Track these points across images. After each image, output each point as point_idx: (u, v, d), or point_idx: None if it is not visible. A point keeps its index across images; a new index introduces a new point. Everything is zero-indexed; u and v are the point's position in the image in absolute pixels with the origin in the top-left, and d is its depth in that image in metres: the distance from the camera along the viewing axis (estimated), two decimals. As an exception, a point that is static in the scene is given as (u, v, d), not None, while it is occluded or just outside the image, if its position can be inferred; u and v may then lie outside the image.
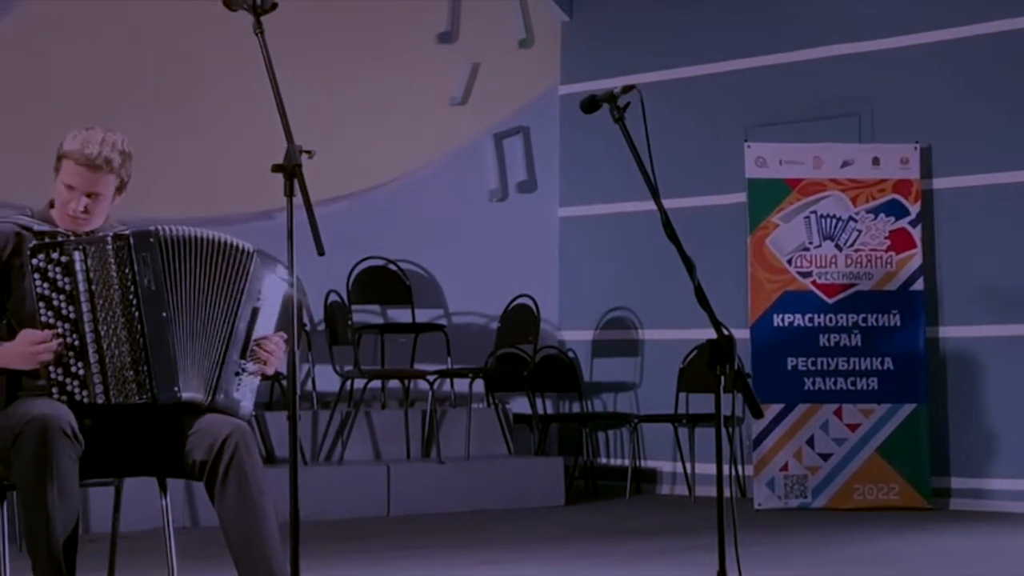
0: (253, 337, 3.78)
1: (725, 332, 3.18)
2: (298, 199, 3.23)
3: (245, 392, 3.80)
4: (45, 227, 3.77)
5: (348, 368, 8.09)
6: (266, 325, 3.82)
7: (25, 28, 7.57)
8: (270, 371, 3.84)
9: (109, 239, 3.63)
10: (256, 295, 3.78)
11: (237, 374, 3.76)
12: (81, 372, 3.62)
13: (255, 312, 3.78)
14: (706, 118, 8.93)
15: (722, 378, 3.16)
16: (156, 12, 8.00)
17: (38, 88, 7.32)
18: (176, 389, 3.63)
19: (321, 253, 3.14)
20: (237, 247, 3.76)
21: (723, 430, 3.34)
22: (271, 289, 3.82)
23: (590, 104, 3.51)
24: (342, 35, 8.64)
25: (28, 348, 3.60)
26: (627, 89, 3.40)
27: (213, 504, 3.64)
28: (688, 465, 8.60)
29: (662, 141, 3.69)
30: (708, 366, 3.18)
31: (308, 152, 3.22)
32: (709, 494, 8.40)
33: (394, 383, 8.58)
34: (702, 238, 8.18)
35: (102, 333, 3.62)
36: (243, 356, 3.77)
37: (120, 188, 3.81)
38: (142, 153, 7.87)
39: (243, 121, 8.01)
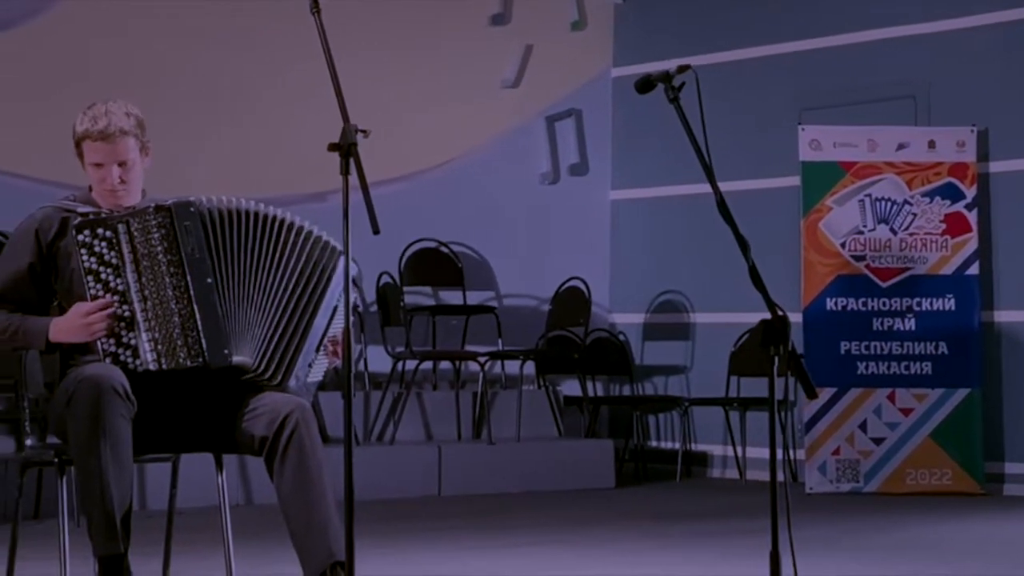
0: (329, 334, 3.86)
1: (779, 312, 3.17)
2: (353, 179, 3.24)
3: (312, 384, 3.87)
4: (88, 208, 3.83)
5: (400, 349, 8.13)
6: (339, 322, 3.90)
7: (69, 17, 7.64)
8: (335, 364, 3.90)
9: (151, 210, 3.69)
10: (338, 295, 3.86)
11: (310, 365, 3.84)
12: (132, 342, 3.67)
13: (335, 311, 3.86)
14: (759, 101, 8.88)
15: (776, 359, 3.15)
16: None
17: (81, 78, 7.36)
18: (227, 352, 3.69)
19: (376, 231, 3.17)
20: (318, 237, 3.83)
21: (775, 413, 3.32)
22: (340, 287, 3.88)
23: (644, 84, 3.50)
24: (395, 18, 8.65)
25: (82, 320, 3.65)
26: (682, 69, 3.39)
27: (271, 479, 3.69)
28: (739, 449, 8.57)
29: (715, 124, 3.67)
30: (761, 346, 3.17)
31: (364, 131, 3.24)
32: (760, 478, 8.39)
33: (445, 364, 8.62)
34: (755, 221, 8.12)
35: (150, 302, 3.67)
36: (317, 349, 3.84)
37: (143, 150, 3.85)
38: (192, 136, 7.96)
39: (295, 103, 8.05)
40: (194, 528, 5.48)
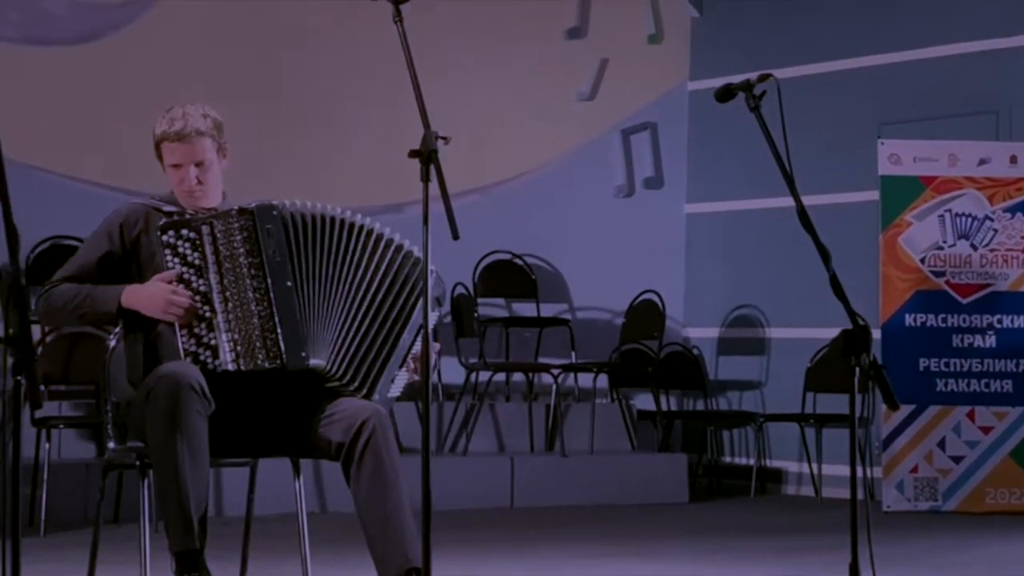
0: (412, 352, 3.88)
1: (860, 322, 3.14)
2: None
3: (389, 399, 3.90)
4: (172, 208, 3.88)
5: (474, 360, 8.15)
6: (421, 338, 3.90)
7: (153, 28, 7.76)
8: (414, 380, 3.91)
9: (234, 212, 3.73)
10: (421, 308, 3.84)
11: (392, 380, 3.86)
12: (212, 342, 3.71)
13: (421, 329, 3.85)
14: (838, 115, 8.81)
15: (856, 368, 3.12)
16: (288, 6, 8.14)
17: (166, 87, 7.46)
18: (303, 355, 3.71)
19: (456, 237, 3.18)
20: (384, 237, 3.83)
21: (856, 422, 3.29)
22: (433, 305, 3.88)
23: (725, 93, 3.49)
24: (472, 32, 8.70)
25: (163, 293, 3.67)
26: (763, 78, 3.38)
27: (348, 484, 3.71)
28: (815, 466, 8.49)
29: (793, 138, 3.65)
30: (842, 356, 3.14)
31: (444, 138, 3.26)
32: (835, 495, 8.30)
33: (518, 376, 8.62)
34: (833, 235, 7.96)
35: (231, 303, 3.71)
36: (401, 366, 3.86)
37: (221, 152, 3.88)
38: (271, 147, 8.04)
39: (374, 114, 8.12)
40: (271, 534, 5.51)
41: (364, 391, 3.80)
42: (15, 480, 2.36)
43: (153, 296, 3.70)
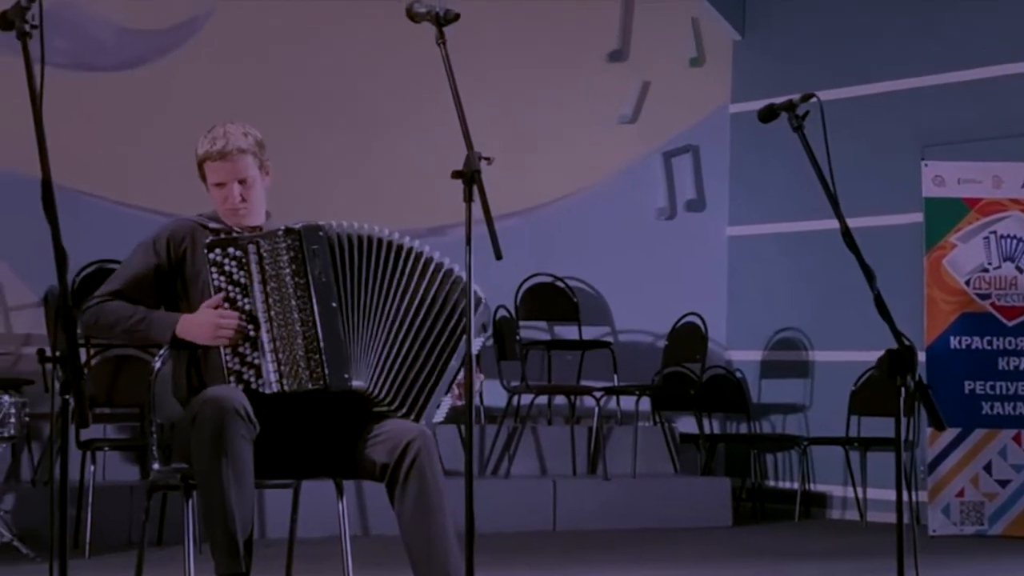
0: (458, 380, 3.88)
1: (906, 342, 3.12)
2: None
3: (433, 424, 3.90)
4: (218, 225, 3.90)
5: (515, 383, 8.15)
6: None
7: (198, 54, 7.83)
8: (457, 404, 3.92)
9: (281, 232, 3.74)
10: (479, 342, 3.86)
11: (438, 406, 3.86)
12: (256, 361, 3.72)
13: (469, 358, 3.85)
14: (881, 137, 8.77)
15: (902, 389, 3.09)
16: (330, 31, 8.20)
17: (209, 112, 7.51)
18: (346, 376, 3.72)
19: (499, 257, 3.18)
20: (432, 261, 3.84)
21: (901, 443, 3.26)
22: (479, 333, 3.90)
23: (768, 113, 3.49)
24: (514, 55, 8.72)
25: (211, 320, 3.69)
26: (806, 98, 3.37)
27: (392, 506, 3.71)
28: (859, 490, 8.43)
29: (837, 160, 3.64)
30: (888, 376, 3.11)
31: (487, 159, 3.27)
32: (881, 519, 8.23)
33: (560, 399, 8.61)
34: (877, 258, 7.91)
35: (276, 323, 3.72)
36: (447, 391, 3.87)
37: (263, 169, 3.90)
38: (314, 170, 8.07)
39: (416, 139, 8.15)
40: (314, 557, 5.52)
41: (412, 415, 3.80)
42: (63, 498, 2.38)
43: (203, 324, 3.71)
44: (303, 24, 8.14)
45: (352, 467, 3.81)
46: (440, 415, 3.91)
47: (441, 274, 3.84)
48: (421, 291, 3.82)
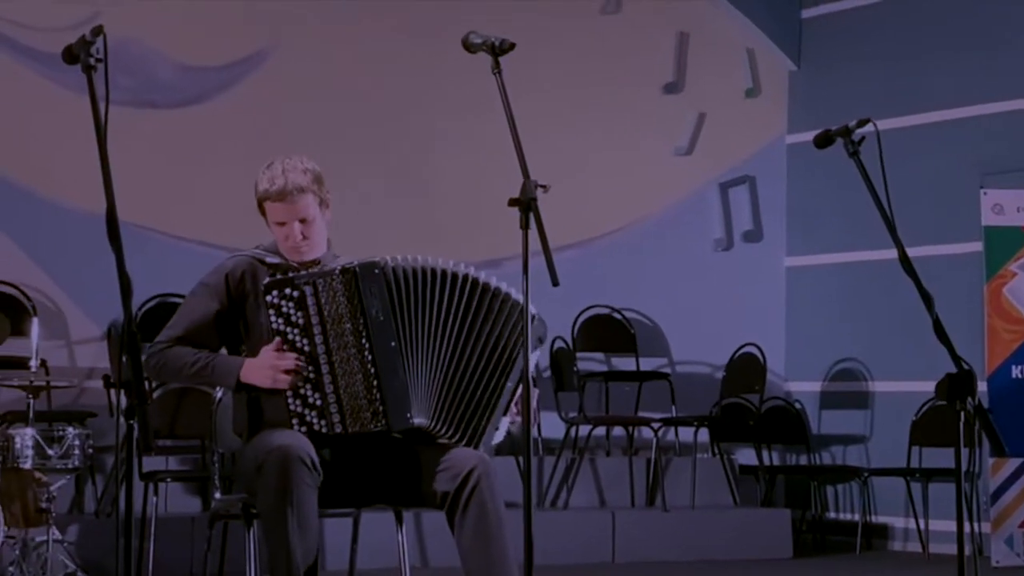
0: (515, 398, 3.87)
1: (965, 366, 3.10)
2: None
3: (492, 446, 3.91)
4: (276, 259, 3.92)
5: (573, 414, 8.15)
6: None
7: (256, 89, 7.93)
8: (516, 422, 3.92)
9: (337, 272, 3.74)
10: (523, 354, 3.83)
11: (496, 428, 3.87)
12: (318, 403, 3.73)
13: (525, 379, 3.85)
14: (939, 165, 8.72)
15: (961, 414, 3.07)
16: (386, 65, 8.28)
17: (268, 146, 7.60)
18: (408, 416, 3.73)
19: (555, 283, 3.19)
20: (490, 287, 3.84)
21: (961, 467, 3.23)
22: (534, 347, 3.89)
23: (824, 140, 3.49)
24: (569, 87, 8.76)
25: (271, 363, 3.73)
26: (862, 123, 3.37)
27: (452, 533, 3.72)
28: (921, 521, 8.34)
29: (895, 189, 3.63)
30: (947, 400, 3.09)
31: (543, 186, 3.28)
32: (944, 551, 8.14)
33: (618, 431, 8.59)
34: (937, 287, 7.85)
35: (336, 364, 3.73)
36: (505, 413, 3.87)
37: (323, 204, 3.91)
38: (369, 204, 8.13)
39: (469, 172, 8.20)
40: (372, 587, 5.54)
41: (472, 443, 3.81)
42: (128, 523, 2.41)
43: (262, 367, 3.74)
44: (360, 60, 8.23)
45: (412, 496, 3.83)
46: (499, 436, 3.91)
47: (500, 300, 3.83)
48: (480, 319, 3.82)
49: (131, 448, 2.40)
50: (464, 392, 3.81)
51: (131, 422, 2.35)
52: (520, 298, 3.79)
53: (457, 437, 3.79)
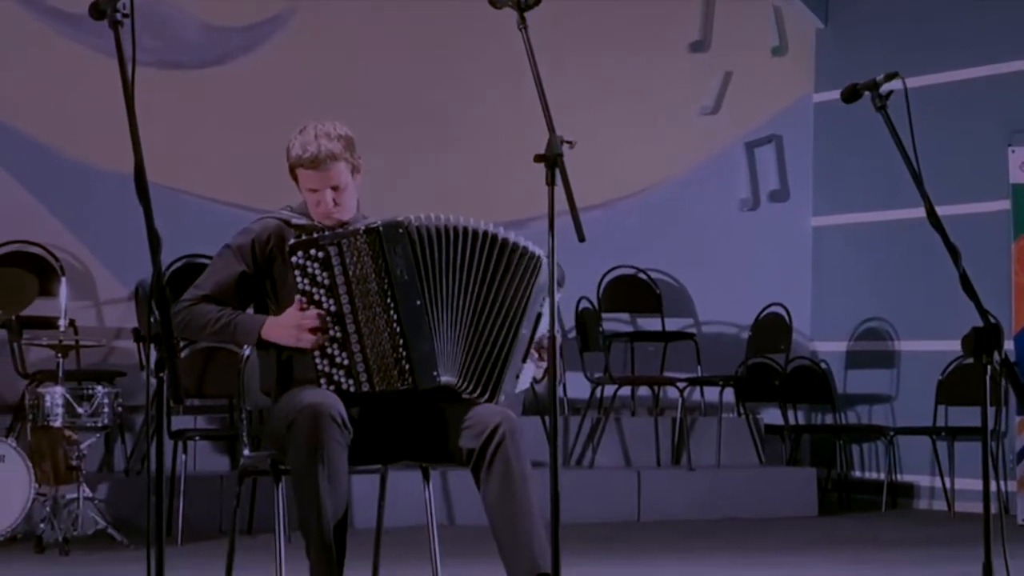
0: (535, 341, 3.87)
1: (991, 320, 3.09)
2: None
3: (518, 394, 3.91)
4: (302, 220, 3.93)
5: (599, 375, 8.16)
6: (544, 325, 3.90)
7: (280, 50, 7.94)
8: (540, 373, 3.92)
9: (361, 232, 3.75)
10: (541, 301, 3.85)
11: (517, 376, 3.87)
12: (345, 362, 3.75)
13: (539, 318, 3.87)
14: (968, 123, 8.66)
15: (988, 368, 3.07)
16: (409, 24, 8.26)
17: (292, 107, 7.61)
18: (435, 374, 3.75)
19: (582, 239, 3.19)
20: (516, 244, 3.83)
21: (987, 419, 3.22)
22: (545, 292, 3.88)
23: (851, 94, 3.48)
24: (594, 47, 8.73)
25: (296, 322, 3.74)
26: (889, 77, 3.35)
27: (478, 489, 3.74)
28: (947, 479, 8.34)
29: (923, 147, 3.60)
30: (973, 354, 3.09)
31: (569, 142, 3.28)
32: (969, 510, 8.14)
33: (644, 392, 8.61)
34: (964, 245, 7.83)
35: (362, 323, 3.74)
36: (524, 359, 3.87)
37: (354, 170, 3.91)
38: (394, 164, 8.14)
39: (497, 131, 8.19)
40: (399, 545, 5.58)
41: (490, 396, 3.82)
42: (159, 477, 2.44)
43: (286, 325, 3.76)
44: (382, 19, 8.21)
45: (439, 453, 3.85)
46: (524, 383, 3.91)
47: (512, 252, 3.81)
48: (499, 274, 3.82)
49: (161, 403, 2.42)
50: (485, 346, 3.81)
51: (161, 375, 2.37)
52: (538, 251, 3.82)
53: (479, 392, 3.81)
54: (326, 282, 3.75)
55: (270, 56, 7.94)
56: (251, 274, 3.90)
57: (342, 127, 3.91)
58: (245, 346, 4.00)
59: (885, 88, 3.37)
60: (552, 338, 3.30)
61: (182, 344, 6.90)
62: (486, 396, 3.82)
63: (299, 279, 3.76)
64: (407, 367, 3.73)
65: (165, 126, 7.32)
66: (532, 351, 3.90)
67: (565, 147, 3.27)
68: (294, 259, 3.75)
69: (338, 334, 3.75)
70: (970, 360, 8.32)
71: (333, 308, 3.75)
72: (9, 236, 7.22)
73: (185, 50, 7.72)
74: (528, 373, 3.92)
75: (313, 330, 3.73)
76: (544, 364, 3.91)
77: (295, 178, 3.91)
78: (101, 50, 7.15)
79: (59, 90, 7.41)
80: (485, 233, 3.82)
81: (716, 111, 9.15)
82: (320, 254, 3.75)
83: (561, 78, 8.34)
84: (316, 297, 3.76)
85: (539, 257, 3.84)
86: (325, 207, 3.87)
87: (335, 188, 3.86)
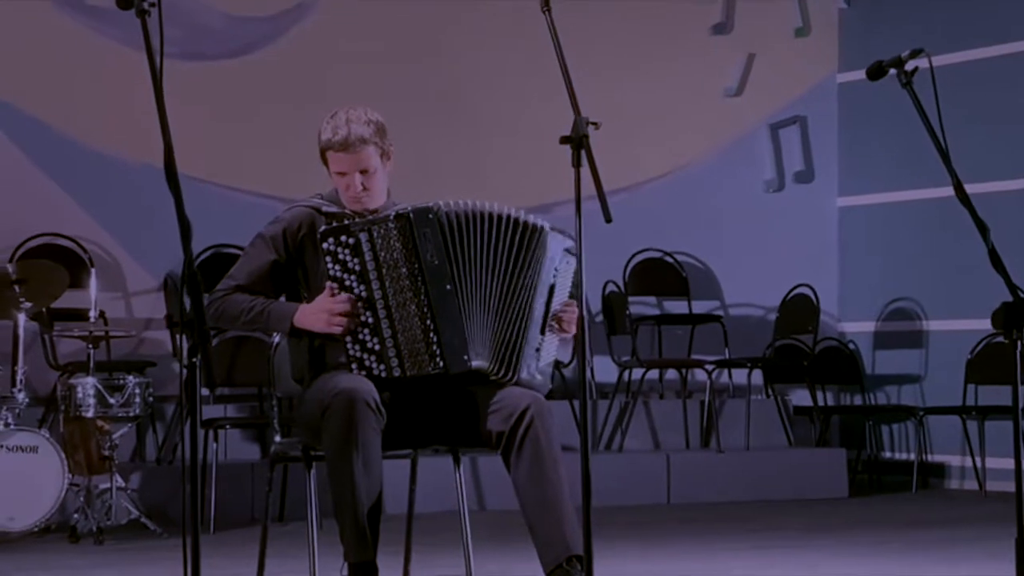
0: (551, 312, 3.88)
1: (1022, 295, 3.09)
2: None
3: (544, 368, 3.91)
4: (333, 208, 3.95)
5: (626, 358, 8.17)
6: (561, 296, 3.92)
7: (303, 39, 7.95)
8: (569, 337, 3.92)
9: (391, 218, 3.77)
10: (552, 272, 3.87)
11: (537, 350, 3.87)
12: (377, 347, 3.77)
13: (552, 289, 3.88)
14: (995, 101, 8.61)
15: (1018, 343, 3.06)
16: (432, 13, 8.26)
17: (317, 96, 7.62)
18: (466, 358, 3.76)
19: (608, 220, 3.20)
20: (525, 222, 3.86)
21: (1018, 416, 3.20)
22: (564, 262, 3.91)
23: (876, 70, 3.47)
24: (617, 30, 8.72)
25: (327, 307, 3.76)
26: (915, 53, 3.35)
27: (509, 472, 3.76)
28: (978, 459, 8.31)
29: (950, 126, 3.59)
30: (1003, 327, 3.08)
31: (594, 123, 3.28)
32: (1001, 489, 8.11)
33: (671, 374, 8.61)
34: (991, 223, 7.87)
35: (393, 308, 3.76)
36: (542, 332, 3.87)
37: (385, 156, 3.93)
38: (418, 153, 8.16)
39: (520, 117, 8.19)
40: (430, 531, 5.61)
41: (512, 374, 3.82)
42: (193, 462, 2.46)
43: (317, 312, 3.77)
44: (407, 7, 8.22)
45: (468, 436, 3.86)
46: (548, 356, 3.89)
47: (532, 233, 3.83)
48: (522, 256, 3.83)
49: (195, 382, 2.44)
50: (508, 327, 3.82)
51: (194, 360, 2.39)
52: (540, 222, 3.84)
53: (502, 372, 3.81)
54: (357, 268, 3.77)
55: (294, 46, 7.95)
56: (283, 263, 3.93)
57: (373, 113, 3.94)
58: (275, 334, 4.02)
59: (910, 65, 3.36)
60: (581, 317, 3.30)
61: (212, 334, 6.94)
62: (509, 375, 3.81)
63: (330, 265, 3.78)
64: (438, 352, 3.75)
65: (190, 116, 7.34)
66: (551, 323, 3.89)
67: (590, 128, 3.28)
68: (325, 245, 3.77)
69: (369, 319, 3.77)
70: (1000, 337, 8.30)
71: (364, 294, 3.77)
72: (39, 229, 7.26)
73: (209, 40, 7.75)
74: (551, 346, 3.91)
75: (344, 315, 3.75)
76: (567, 334, 3.89)
77: (325, 161, 3.93)
78: (127, 43, 7.19)
79: (86, 84, 7.45)
80: (508, 216, 3.85)
81: (740, 93, 9.12)
82: (351, 240, 3.76)
83: (584, 64, 8.32)
84: (347, 283, 3.77)
85: (542, 228, 3.85)
86: (354, 191, 3.89)
87: (364, 172, 3.88)
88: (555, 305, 3.89)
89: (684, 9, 8.95)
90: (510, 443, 3.74)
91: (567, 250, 3.90)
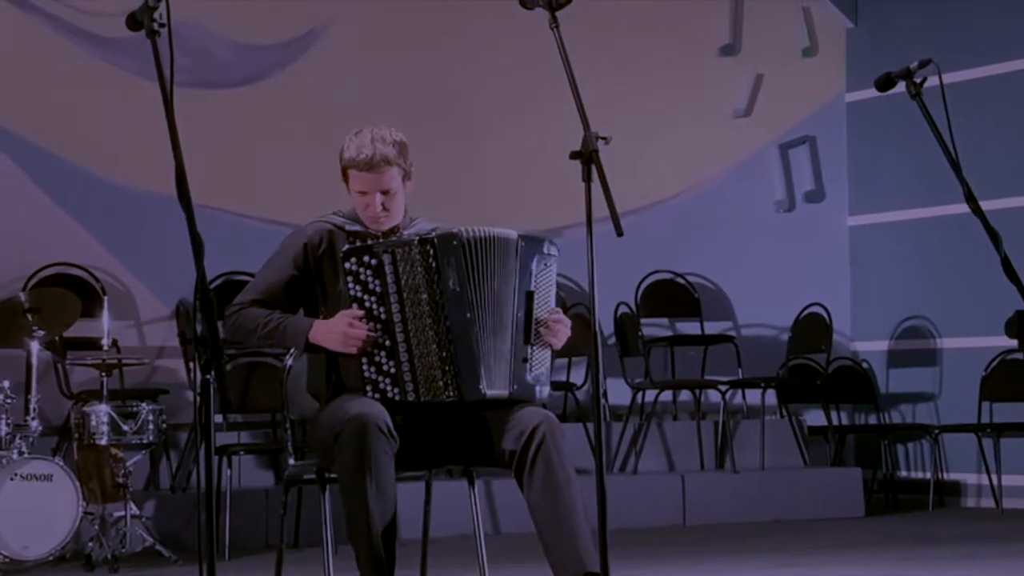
0: (534, 319, 3.84)
1: (1035, 304, 3.07)
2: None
3: (538, 376, 3.87)
4: (356, 227, 3.95)
5: (639, 380, 8.15)
6: (544, 302, 3.88)
7: (314, 66, 7.97)
8: (558, 345, 3.88)
9: (415, 242, 3.76)
10: (529, 278, 3.84)
11: (525, 360, 3.83)
12: (392, 370, 3.76)
13: (530, 296, 3.84)
14: (1006, 117, 8.61)
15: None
16: (440, 35, 8.29)
17: (326, 122, 7.64)
18: (481, 387, 3.75)
19: (620, 233, 3.20)
20: (507, 238, 3.84)
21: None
22: (540, 267, 3.87)
23: (885, 82, 3.47)
24: (624, 51, 8.73)
25: (344, 328, 3.75)
26: (924, 64, 3.34)
27: (522, 491, 3.74)
28: (995, 477, 8.27)
29: (959, 142, 3.58)
30: (1017, 337, 3.07)
31: (604, 138, 3.28)
32: (1018, 506, 8.08)
33: (685, 396, 8.59)
34: (1005, 241, 7.87)
35: (411, 332, 3.74)
36: (527, 341, 3.83)
37: (406, 177, 3.93)
38: (432, 173, 8.15)
39: (528, 142, 8.20)
40: (445, 553, 5.59)
41: (506, 389, 3.79)
42: (208, 486, 2.45)
43: (334, 331, 3.76)
44: (414, 30, 8.24)
45: (482, 456, 3.85)
46: (540, 364, 3.84)
47: (520, 248, 3.81)
48: (512, 273, 3.81)
49: (208, 399, 2.43)
50: (507, 345, 3.79)
51: (207, 377, 2.39)
52: (509, 233, 3.81)
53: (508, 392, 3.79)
54: (377, 289, 3.76)
55: (304, 73, 7.98)
56: (301, 278, 3.92)
57: (397, 133, 3.94)
58: (287, 357, 4.02)
59: (919, 76, 3.36)
60: (594, 334, 3.29)
61: (225, 359, 6.93)
62: (504, 391, 3.78)
63: (351, 285, 3.77)
64: (453, 380, 3.73)
65: (201, 144, 7.35)
66: (536, 329, 3.84)
67: (600, 143, 3.27)
68: (347, 265, 3.76)
69: (386, 342, 3.75)
70: (1014, 354, 8.24)
71: (383, 316, 3.75)
72: (51, 259, 7.28)
73: (218, 69, 7.77)
74: (543, 354, 3.86)
75: (360, 336, 3.74)
76: (557, 340, 3.84)
77: (346, 179, 3.92)
78: (137, 72, 7.22)
79: (96, 114, 7.47)
80: (514, 240, 3.83)
81: (749, 114, 9.13)
82: (373, 261, 3.76)
83: (592, 85, 8.34)
84: (367, 304, 3.76)
85: (513, 239, 3.82)
86: (373, 211, 3.89)
87: (385, 192, 3.88)
88: (538, 312, 3.85)
89: (691, 31, 8.97)
90: (522, 462, 3.72)
91: (549, 254, 3.88)
